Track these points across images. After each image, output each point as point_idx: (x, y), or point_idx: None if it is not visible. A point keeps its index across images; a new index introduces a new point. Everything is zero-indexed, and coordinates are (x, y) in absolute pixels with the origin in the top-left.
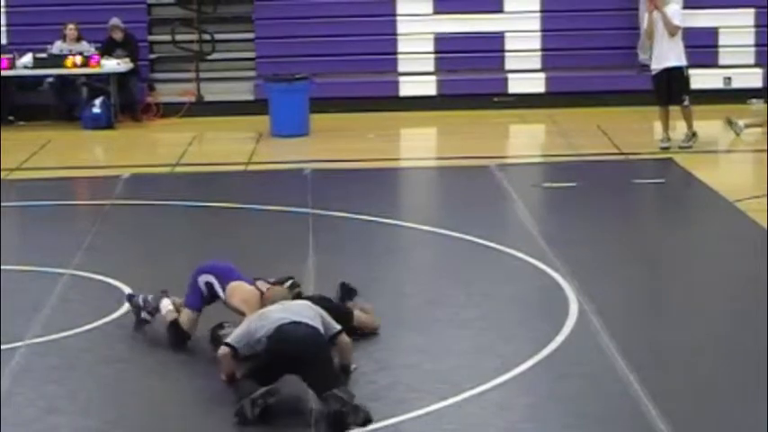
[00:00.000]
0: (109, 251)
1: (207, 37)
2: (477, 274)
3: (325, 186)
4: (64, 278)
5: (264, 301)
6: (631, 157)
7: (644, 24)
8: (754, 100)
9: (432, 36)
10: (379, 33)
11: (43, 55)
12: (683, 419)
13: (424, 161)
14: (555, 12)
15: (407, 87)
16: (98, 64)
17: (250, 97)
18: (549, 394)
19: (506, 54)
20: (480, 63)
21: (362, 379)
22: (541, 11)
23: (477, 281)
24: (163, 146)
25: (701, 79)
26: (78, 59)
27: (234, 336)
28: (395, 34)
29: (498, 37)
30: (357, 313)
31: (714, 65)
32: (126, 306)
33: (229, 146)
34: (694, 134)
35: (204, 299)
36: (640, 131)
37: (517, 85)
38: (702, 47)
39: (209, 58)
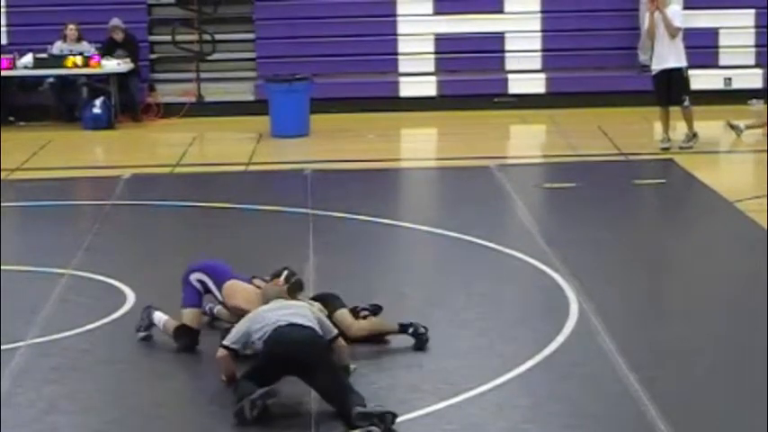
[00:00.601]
0: (109, 251)
1: (207, 37)
2: (477, 275)
3: (325, 186)
4: (64, 278)
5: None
6: (632, 157)
7: (644, 25)
8: (754, 101)
9: (432, 36)
10: (379, 34)
11: (44, 55)
12: (683, 419)
13: (425, 161)
14: (555, 12)
15: (408, 88)
16: (98, 64)
17: (250, 98)
18: (549, 394)
19: (507, 54)
20: (481, 63)
21: (362, 380)
22: (542, 11)
23: (477, 281)
24: (163, 146)
25: (702, 80)
26: (79, 60)
27: (230, 337)
28: (395, 35)
29: (499, 37)
30: (370, 320)
31: (714, 65)
32: (126, 306)
33: (230, 146)
34: (695, 135)
35: (201, 296)
36: (641, 132)
37: (517, 85)
38: (702, 47)
39: (210, 58)
